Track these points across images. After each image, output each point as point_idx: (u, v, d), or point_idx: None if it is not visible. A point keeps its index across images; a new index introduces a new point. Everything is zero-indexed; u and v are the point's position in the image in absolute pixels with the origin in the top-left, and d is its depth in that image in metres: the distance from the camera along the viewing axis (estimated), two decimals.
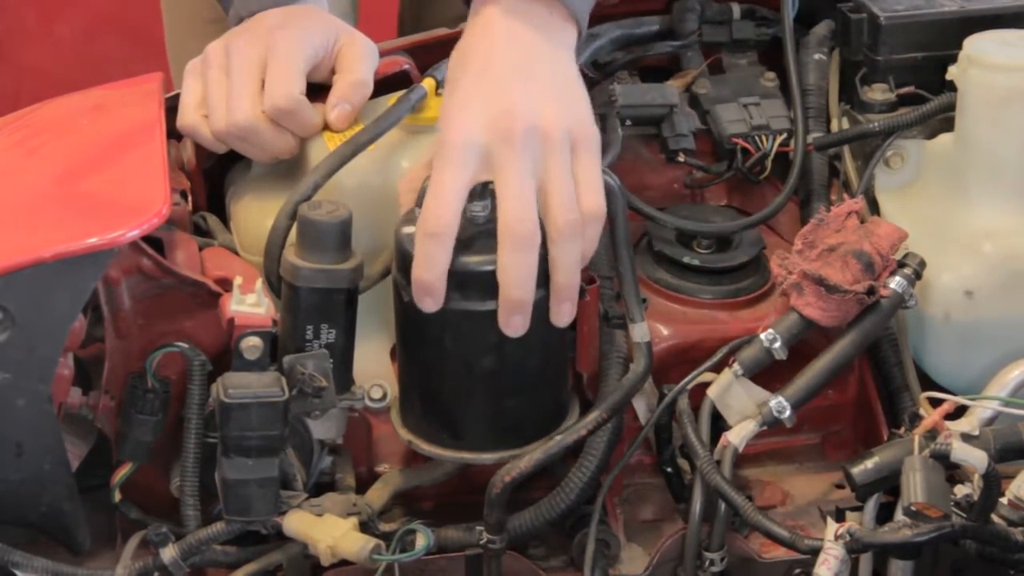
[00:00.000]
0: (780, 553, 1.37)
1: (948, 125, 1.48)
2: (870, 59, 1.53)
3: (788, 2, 1.58)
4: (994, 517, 1.26)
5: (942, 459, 1.23)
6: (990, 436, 1.29)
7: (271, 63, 1.42)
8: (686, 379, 1.38)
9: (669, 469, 1.41)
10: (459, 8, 1.99)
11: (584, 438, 1.32)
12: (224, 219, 1.50)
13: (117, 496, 1.35)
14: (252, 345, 1.29)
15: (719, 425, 1.37)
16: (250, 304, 1.30)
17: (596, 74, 1.61)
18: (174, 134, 1.46)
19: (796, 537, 1.29)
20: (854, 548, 1.26)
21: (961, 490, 1.28)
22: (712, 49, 1.64)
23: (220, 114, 1.42)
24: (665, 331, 1.44)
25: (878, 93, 1.53)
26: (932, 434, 1.28)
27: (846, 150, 1.54)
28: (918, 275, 1.37)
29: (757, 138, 1.55)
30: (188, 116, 1.45)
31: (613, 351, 1.36)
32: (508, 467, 1.29)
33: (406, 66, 1.52)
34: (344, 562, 1.29)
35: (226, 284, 1.33)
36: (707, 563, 1.36)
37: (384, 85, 1.48)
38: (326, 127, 1.43)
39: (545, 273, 1.28)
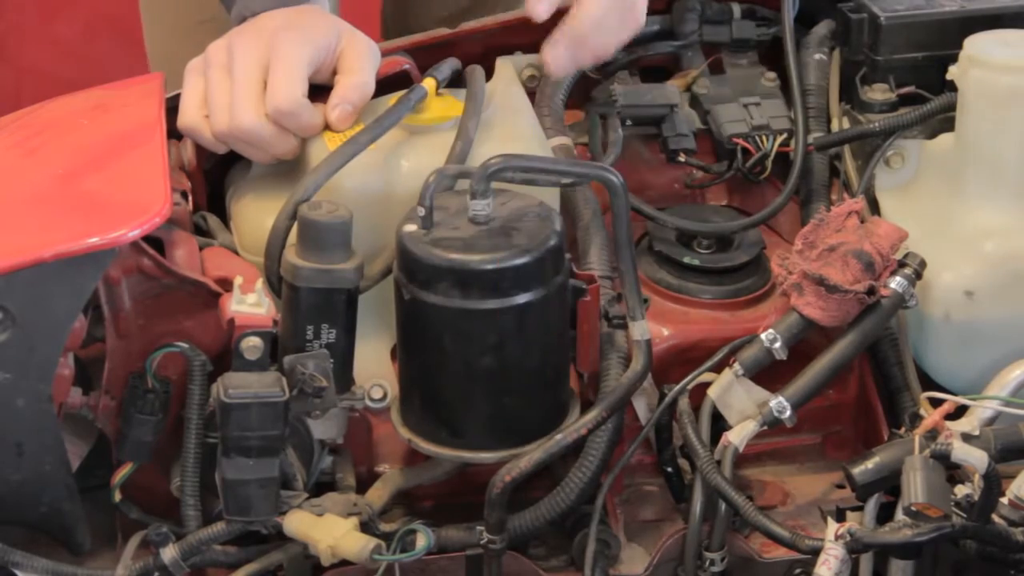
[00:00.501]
0: (781, 553, 1.37)
1: (948, 125, 1.48)
2: (870, 59, 1.53)
3: (788, 2, 1.58)
4: (994, 517, 1.26)
5: (942, 459, 1.23)
6: (990, 436, 1.29)
7: (274, 64, 1.42)
8: (686, 379, 1.38)
9: (669, 469, 1.41)
10: (447, 8, 2.00)
11: (584, 437, 1.32)
12: (224, 219, 1.50)
13: (117, 496, 1.35)
14: (252, 345, 1.29)
15: (719, 425, 1.37)
16: (250, 304, 1.30)
17: (597, 74, 1.61)
18: (174, 134, 1.46)
19: (797, 537, 1.29)
20: (855, 548, 1.26)
21: (961, 490, 1.28)
22: (712, 49, 1.64)
23: (222, 116, 1.42)
24: (666, 331, 1.44)
25: (878, 93, 1.53)
26: (932, 434, 1.28)
27: (846, 150, 1.55)
28: (918, 275, 1.37)
29: (757, 138, 1.55)
30: (189, 116, 1.45)
31: (613, 351, 1.36)
32: (508, 467, 1.29)
33: (407, 66, 1.52)
34: (345, 562, 1.29)
35: (226, 284, 1.33)
36: (707, 563, 1.36)
37: (384, 85, 1.48)
38: (327, 128, 1.43)
39: (544, 274, 1.28)
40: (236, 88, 1.42)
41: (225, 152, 1.46)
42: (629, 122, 1.55)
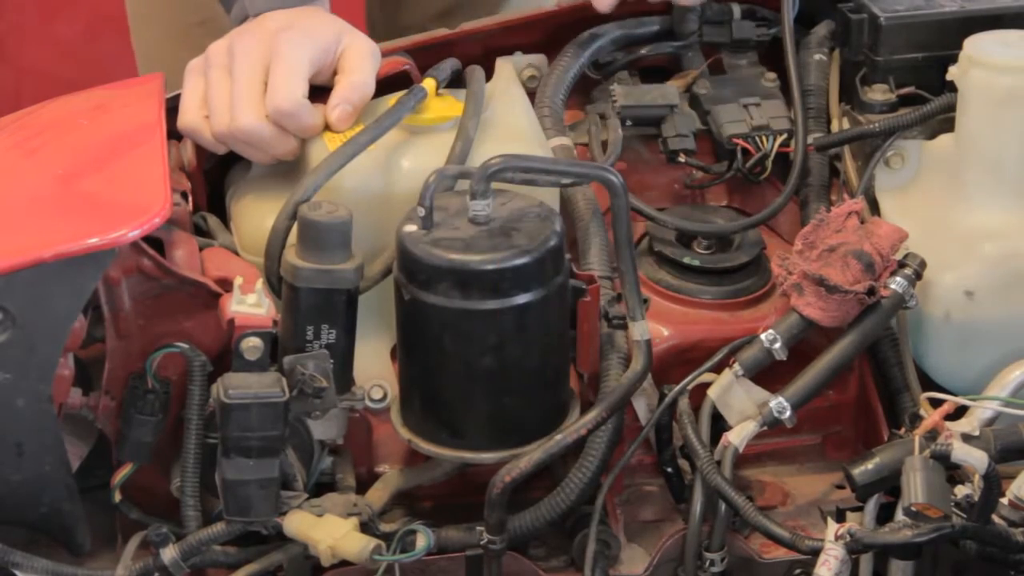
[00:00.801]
0: (780, 553, 1.37)
1: (948, 125, 1.48)
2: (870, 59, 1.53)
3: (788, 2, 1.58)
4: (994, 517, 1.26)
5: (942, 459, 1.23)
6: (990, 436, 1.30)
7: (274, 65, 1.42)
8: (686, 379, 1.38)
9: (669, 469, 1.41)
10: (436, 6, 1.99)
11: (584, 437, 1.32)
12: (224, 219, 1.50)
13: (117, 496, 1.35)
14: (252, 345, 1.29)
15: (719, 425, 1.37)
16: (250, 304, 1.30)
17: (597, 74, 1.61)
18: (174, 134, 1.46)
19: (796, 537, 1.29)
20: (854, 548, 1.26)
21: (961, 490, 1.28)
22: (712, 49, 1.64)
23: (222, 116, 1.42)
24: (665, 331, 1.44)
25: (878, 93, 1.53)
26: (932, 434, 1.28)
27: (846, 150, 1.54)
28: (918, 275, 1.37)
29: (757, 138, 1.54)
30: (189, 116, 1.45)
31: (613, 351, 1.36)
32: (508, 467, 1.29)
33: (407, 66, 1.52)
34: (345, 562, 1.29)
35: (226, 284, 1.33)
36: (707, 563, 1.36)
37: (385, 85, 1.48)
38: (327, 128, 1.43)
39: (544, 275, 1.28)
40: (236, 89, 1.42)
41: (225, 152, 1.46)
42: (629, 122, 1.55)
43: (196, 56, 1.48)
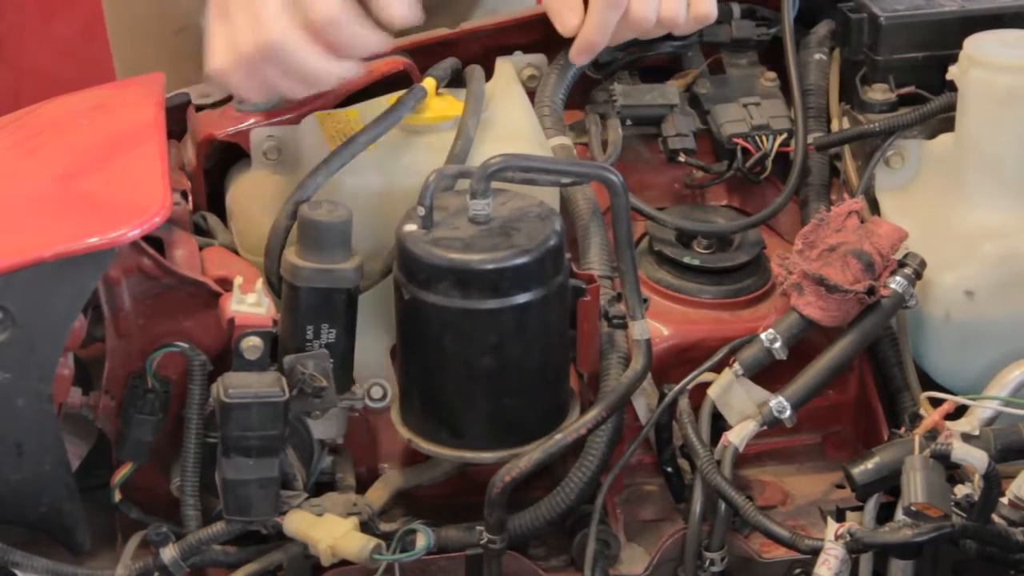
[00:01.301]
0: (780, 553, 1.37)
1: (948, 125, 1.48)
2: (870, 59, 1.53)
3: (788, 2, 1.58)
4: (994, 517, 1.26)
5: (942, 459, 1.23)
6: (990, 436, 1.30)
7: None
8: (686, 379, 1.38)
9: (669, 469, 1.41)
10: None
11: (584, 437, 1.32)
12: (224, 219, 1.50)
13: (117, 496, 1.35)
14: (252, 345, 1.29)
15: (719, 425, 1.37)
16: (250, 304, 1.30)
17: (596, 74, 1.61)
18: (175, 134, 1.46)
19: (796, 537, 1.29)
20: (854, 548, 1.26)
21: (961, 490, 1.28)
22: (712, 49, 1.63)
23: (245, 35, 1.29)
24: (665, 331, 1.44)
25: (878, 93, 1.53)
26: (932, 434, 1.28)
27: (846, 150, 1.54)
28: (918, 275, 1.37)
29: (757, 138, 1.55)
30: (216, 59, 1.34)
31: (613, 351, 1.36)
32: (508, 467, 1.29)
33: (406, 66, 1.52)
34: (345, 562, 1.29)
35: (226, 284, 1.33)
36: (707, 563, 1.36)
37: (384, 85, 1.48)
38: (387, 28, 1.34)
39: (544, 274, 1.28)
40: (259, 2, 1.28)
41: (262, 101, 1.41)
42: (629, 122, 1.55)
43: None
